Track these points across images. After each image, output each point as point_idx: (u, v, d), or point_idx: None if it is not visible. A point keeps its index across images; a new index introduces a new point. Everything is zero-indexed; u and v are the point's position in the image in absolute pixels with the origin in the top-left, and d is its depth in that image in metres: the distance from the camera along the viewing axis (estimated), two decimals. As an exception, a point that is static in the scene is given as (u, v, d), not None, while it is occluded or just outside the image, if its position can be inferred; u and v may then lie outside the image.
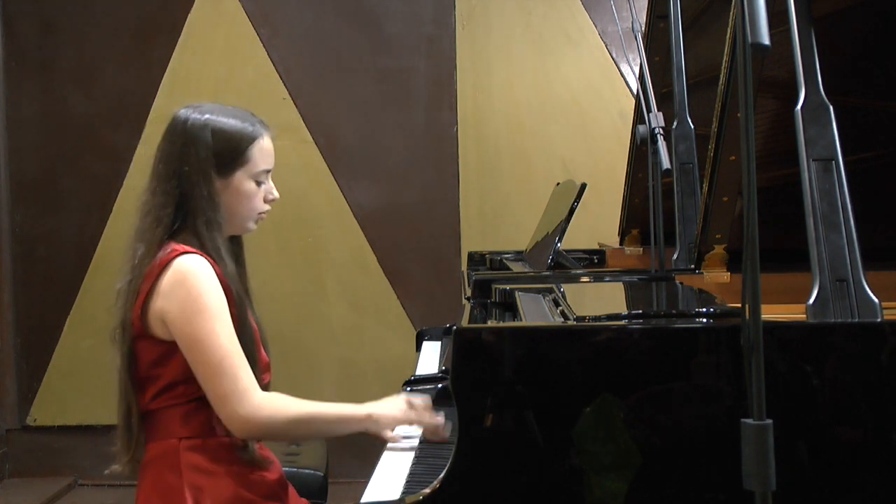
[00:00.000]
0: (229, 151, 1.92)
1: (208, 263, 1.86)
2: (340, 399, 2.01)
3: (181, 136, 1.92)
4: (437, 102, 4.63)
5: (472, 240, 4.53)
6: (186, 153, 1.91)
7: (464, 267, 4.01)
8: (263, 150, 1.96)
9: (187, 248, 1.87)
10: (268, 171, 1.98)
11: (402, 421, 1.93)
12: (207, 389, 1.83)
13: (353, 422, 1.91)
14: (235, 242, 2.03)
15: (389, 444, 1.95)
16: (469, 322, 2.41)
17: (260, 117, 2.00)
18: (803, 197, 1.63)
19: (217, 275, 1.86)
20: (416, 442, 1.97)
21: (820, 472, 1.49)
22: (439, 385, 2.27)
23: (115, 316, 1.91)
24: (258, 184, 1.96)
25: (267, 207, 2.00)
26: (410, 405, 1.93)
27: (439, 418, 1.92)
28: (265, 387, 1.93)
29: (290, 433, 1.90)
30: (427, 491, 1.53)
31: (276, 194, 2.01)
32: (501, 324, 2.17)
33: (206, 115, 1.94)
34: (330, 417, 1.92)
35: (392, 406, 1.94)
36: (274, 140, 2.00)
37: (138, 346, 1.88)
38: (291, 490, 2.02)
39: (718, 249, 2.30)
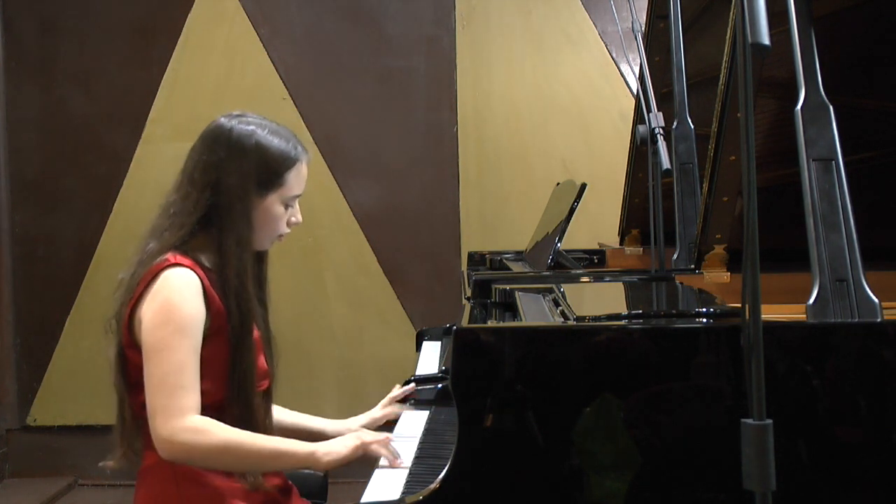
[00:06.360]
0: (269, 172, 1.88)
1: (196, 278, 1.81)
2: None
3: (225, 147, 1.87)
4: (437, 102, 4.62)
5: (472, 240, 4.53)
6: (229, 167, 1.86)
7: (464, 267, 4.01)
8: (300, 176, 1.92)
9: (181, 258, 1.82)
10: (297, 196, 1.94)
11: (350, 458, 1.83)
12: (147, 401, 1.77)
13: (295, 458, 1.81)
14: (259, 257, 1.98)
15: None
16: (469, 322, 2.41)
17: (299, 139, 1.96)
18: (803, 197, 1.63)
19: (206, 289, 1.81)
20: (416, 441, 1.97)
21: (820, 472, 1.49)
22: (439, 385, 2.27)
23: (112, 306, 1.88)
24: (286, 207, 1.92)
25: (287, 231, 1.95)
26: (361, 441, 1.84)
27: (399, 459, 1.85)
28: (261, 393, 1.89)
29: (214, 462, 1.79)
30: (427, 491, 1.53)
31: (300, 218, 1.97)
32: (501, 324, 2.16)
33: (253, 128, 1.88)
34: (265, 451, 1.80)
35: (340, 445, 1.84)
36: (309, 164, 1.96)
37: (127, 352, 1.85)
38: (295, 494, 1.98)
39: (718, 249, 2.30)
